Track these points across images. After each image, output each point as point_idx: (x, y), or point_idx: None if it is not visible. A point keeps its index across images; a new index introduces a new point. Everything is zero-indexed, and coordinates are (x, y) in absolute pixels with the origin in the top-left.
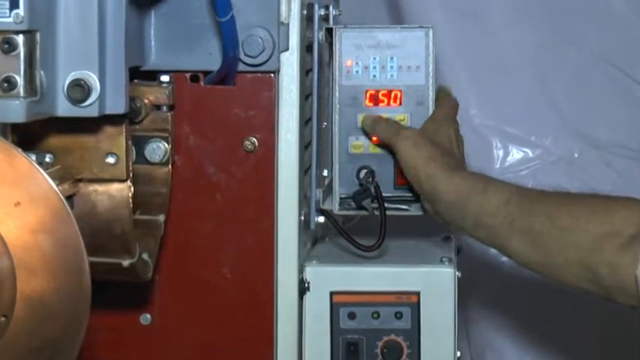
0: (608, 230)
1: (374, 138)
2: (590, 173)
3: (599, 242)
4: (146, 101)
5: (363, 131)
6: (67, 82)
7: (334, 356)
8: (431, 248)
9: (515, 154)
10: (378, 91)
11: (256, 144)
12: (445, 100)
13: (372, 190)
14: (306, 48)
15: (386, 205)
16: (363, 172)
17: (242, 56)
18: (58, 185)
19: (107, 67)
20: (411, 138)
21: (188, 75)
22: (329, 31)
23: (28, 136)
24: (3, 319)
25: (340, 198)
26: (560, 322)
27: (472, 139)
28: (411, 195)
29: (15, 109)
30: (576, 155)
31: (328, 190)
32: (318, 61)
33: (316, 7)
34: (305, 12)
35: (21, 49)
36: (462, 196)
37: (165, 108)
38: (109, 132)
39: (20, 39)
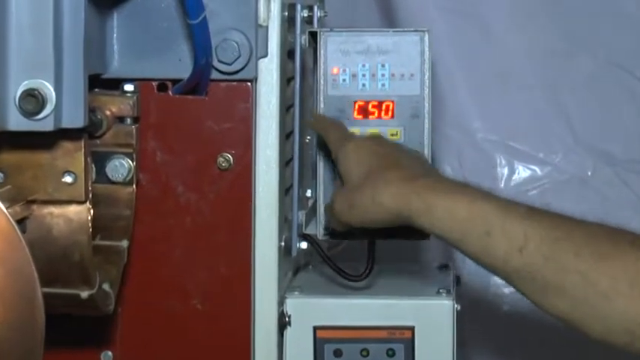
0: None
1: None
2: (606, 194)
3: None
4: (108, 113)
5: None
6: (19, 92)
7: None
8: (427, 277)
9: (522, 172)
10: (367, 102)
11: (231, 161)
12: (328, 129)
13: None
14: (288, 54)
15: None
16: None
17: (215, 63)
18: (8, 208)
19: (64, 76)
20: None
21: (155, 84)
22: (313, 35)
23: None
24: None
25: (325, 221)
26: None
27: (473, 156)
28: None
29: None
30: (590, 173)
31: (312, 213)
32: (300, 69)
33: (298, 7)
34: (286, 13)
35: None
36: (455, 236)
37: (129, 120)
38: (66, 148)
39: None
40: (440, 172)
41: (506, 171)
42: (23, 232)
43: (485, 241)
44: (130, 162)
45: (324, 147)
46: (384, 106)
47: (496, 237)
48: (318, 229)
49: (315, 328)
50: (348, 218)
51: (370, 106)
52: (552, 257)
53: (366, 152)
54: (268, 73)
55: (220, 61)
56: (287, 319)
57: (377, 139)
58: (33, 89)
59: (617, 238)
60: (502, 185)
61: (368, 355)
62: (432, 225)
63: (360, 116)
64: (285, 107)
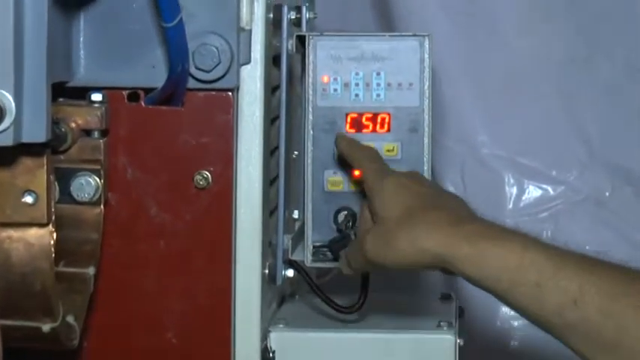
0: None
1: (355, 172)
2: (625, 217)
3: None
4: (73, 125)
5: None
6: None
7: None
8: (426, 309)
9: (533, 191)
10: (361, 115)
11: (210, 179)
12: (358, 156)
13: (353, 237)
14: (273, 60)
15: None
16: (341, 215)
17: (192, 70)
18: None
19: (25, 84)
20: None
21: (125, 93)
22: (301, 40)
23: None
24: None
25: (314, 247)
26: None
27: (479, 173)
28: None
29: None
30: (608, 194)
31: (299, 237)
32: (287, 77)
33: (285, 9)
34: (271, 15)
35: None
36: (503, 286)
37: (96, 133)
38: (27, 165)
39: None
40: (481, 215)
41: (514, 190)
42: None
43: (535, 293)
44: (98, 180)
45: (343, 162)
46: (379, 119)
47: (548, 289)
48: (305, 255)
49: None
50: (380, 259)
51: (364, 118)
52: (609, 313)
53: (407, 191)
54: (251, 81)
55: (198, 68)
56: (271, 354)
57: (416, 176)
58: None
59: None
60: (510, 206)
61: None
62: (478, 273)
63: (353, 130)
64: (270, 119)
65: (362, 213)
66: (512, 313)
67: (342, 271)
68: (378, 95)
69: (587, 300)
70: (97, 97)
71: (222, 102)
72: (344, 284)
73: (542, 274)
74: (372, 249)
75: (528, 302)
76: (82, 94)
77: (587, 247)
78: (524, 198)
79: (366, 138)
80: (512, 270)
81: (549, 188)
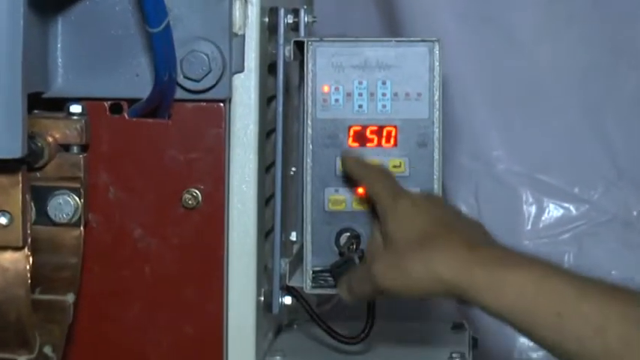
0: None
1: (359, 189)
2: None
3: None
4: (50, 139)
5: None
6: None
7: None
8: (437, 339)
9: (553, 211)
10: (365, 127)
11: (199, 198)
12: (366, 174)
13: (357, 261)
14: (268, 68)
15: None
16: (344, 237)
17: (180, 79)
18: None
19: None
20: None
21: (107, 104)
22: (299, 46)
23: None
24: None
25: (313, 272)
26: None
27: (494, 191)
28: None
29: None
30: (636, 213)
31: (297, 261)
32: (283, 86)
33: (282, 12)
34: (266, 20)
35: None
36: (525, 318)
37: (75, 149)
38: (1, 183)
39: None
40: (498, 238)
41: (533, 210)
42: None
43: (555, 323)
44: (77, 199)
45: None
46: (384, 132)
47: (569, 318)
48: (304, 281)
49: None
50: (390, 285)
51: (368, 132)
52: (632, 341)
53: (422, 213)
54: (245, 91)
55: (187, 78)
56: None
57: (432, 197)
58: None
59: None
60: (529, 227)
61: None
62: (495, 302)
63: (356, 144)
64: (265, 133)
65: (372, 235)
66: (530, 343)
67: (343, 298)
68: (384, 106)
69: (610, 328)
70: (76, 108)
71: (213, 114)
72: (347, 312)
73: (563, 302)
74: (381, 274)
75: (548, 332)
76: (59, 105)
77: (612, 273)
78: (543, 218)
79: (371, 153)
80: (530, 299)
81: (571, 207)
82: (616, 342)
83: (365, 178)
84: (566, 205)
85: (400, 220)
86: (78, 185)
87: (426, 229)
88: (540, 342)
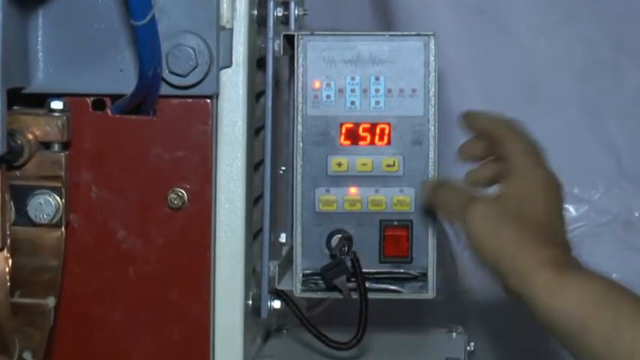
0: None
1: (351, 189)
2: None
3: None
4: (30, 137)
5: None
6: None
7: None
8: (432, 344)
9: None
10: (357, 125)
11: (185, 198)
12: (512, 136)
13: (349, 263)
14: (257, 63)
15: (368, 285)
16: (335, 239)
17: (166, 74)
18: None
19: None
20: (487, 217)
21: (90, 100)
22: (289, 40)
23: None
24: None
25: (304, 275)
26: None
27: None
28: (402, 271)
29: None
30: (638, 214)
31: (287, 264)
32: (273, 82)
33: (271, 5)
34: (255, 12)
35: None
36: (579, 319)
37: (57, 146)
38: None
39: None
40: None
41: None
42: None
43: (610, 332)
44: (58, 199)
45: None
46: (378, 130)
47: (625, 326)
48: (294, 284)
49: None
50: (472, 228)
51: (361, 129)
52: None
53: (545, 194)
54: (233, 87)
55: (172, 73)
56: None
57: (556, 180)
58: None
59: None
60: None
61: None
62: (553, 303)
63: (348, 142)
64: (254, 130)
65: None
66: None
67: (423, 194)
68: (377, 103)
69: None
70: (57, 104)
71: (200, 110)
72: (339, 317)
73: (617, 305)
74: (476, 214)
75: (600, 344)
76: (40, 101)
77: (614, 275)
78: None
79: (363, 151)
80: (590, 306)
81: (571, 208)
82: None
83: (504, 135)
84: (565, 205)
85: (524, 187)
86: (59, 184)
87: (537, 215)
88: (587, 354)
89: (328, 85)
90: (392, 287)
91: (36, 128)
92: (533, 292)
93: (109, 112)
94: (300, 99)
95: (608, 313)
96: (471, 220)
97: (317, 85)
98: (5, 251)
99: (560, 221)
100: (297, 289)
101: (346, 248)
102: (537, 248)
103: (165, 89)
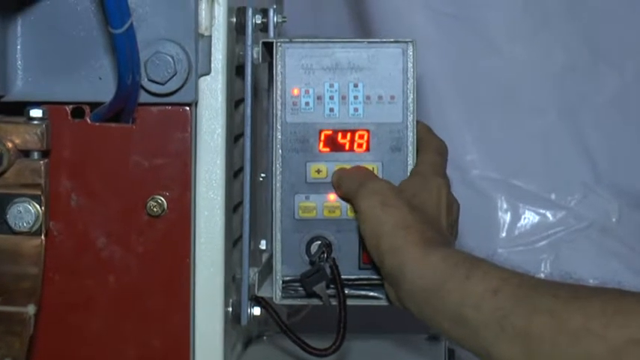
0: (629, 336)
1: (330, 196)
2: (635, 245)
3: (618, 352)
4: (10, 145)
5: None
6: None
7: None
8: (412, 351)
9: (529, 217)
10: (336, 132)
11: (165, 205)
12: (428, 143)
13: (328, 270)
14: (236, 70)
15: (347, 291)
16: (315, 246)
17: (145, 82)
18: None
19: None
20: (379, 194)
21: (69, 108)
22: (268, 47)
23: None
24: None
25: (283, 281)
26: None
27: (468, 197)
28: (381, 278)
29: None
30: (615, 220)
31: (266, 271)
32: (252, 89)
33: (250, 12)
34: (234, 20)
35: None
36: (437, 282)
37: (36, 154)
38: None
39: None
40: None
41: (508, 217)
42: None
43: (463, 286)
44: (38, 207)
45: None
46: (357, 137)
47: (476, 278)
48: (274, 291)
49: None
50: (359, 202)
51: (339, 136)
52: (525, 299)
53: (442, 194)
54: (212, 94)
55: (151, 80)
56: None
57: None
58: None
59: (607, 289)
60: (503, 235)
61: None
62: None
63: (327, 149)
64: (233, 137)
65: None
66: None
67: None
68: (356, 110)
69: (507, 289)
70: (36, 113)
71: (179, 118)
72: (318, 324)
73: (471, 266)
74: (367, 190)
75: (452, 298)
76: (19, 109)
77: (590, 281)
78: (519, 225)
79: (343, 158)
80: (448, 268)
81: (548, 214)
82: (508, 301)
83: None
84: (542, 211)
85: (420, 187)
86: (39, 192)
87: (426, 208)
88: (440, 315)
89: (307, 92)
90: (371, 294)
91: (15, 136)
92: (403, 266)
93: (88, 120)
94: (278, 106)
95: (461, 271)
96: (362, 194)
97: (296, 92)
98: None
99: (448, 228)
100: (276, 296)
101: (325, 255)
102: (419, 229)
103: (144, 97)
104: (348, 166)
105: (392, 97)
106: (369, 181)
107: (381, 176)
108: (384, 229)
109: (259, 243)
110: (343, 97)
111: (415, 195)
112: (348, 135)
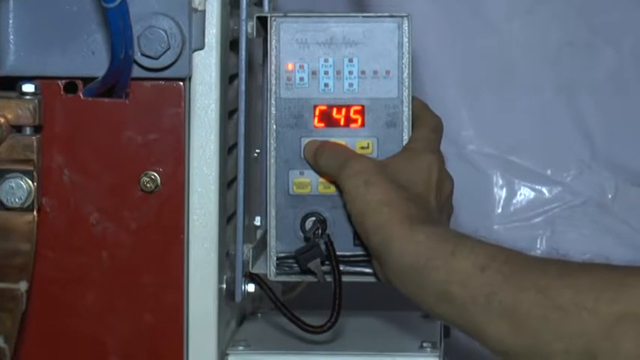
0: (621, 311)
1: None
2: (630, 221)
3: (610, 327)
4: (1, 120)
5: (309, 164)
6: None
7: None
8: (407, 328)
9: (525, 193)
10: (331, 107)
11: (158, 181)
12: (423, 119)
13: (323, 246)
14: (230, 45)
15: (342, 268)
16: (309, 222)
17: (138, 57)
18: None
19: None
20: (363, 173)
21: (62, 83)
22: (262, 21)
23: None
24: None
25: (278, 258)
26: None
27: (464, 173)
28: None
29: None
30: (610, 196)
31: (261, 247)
32: (246, 64)
33: None
34: None
35: None
36: (422, 259)
37: (28, 130)
38: None
39: None
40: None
41: (504, 193)
42: None
43: (448, 263)
44: (30, 182)
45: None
46: (352, 112)
47: (462, 255)
48: (268, 268)
49: None
50: (344, 183)
51: (334, 111)
52: (512, 276)
53: (435, 170)
54: (205, 69)
55: (144, 55)
56: None
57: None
58: None
59: (596, 264)
60: (499, 211)
61: None
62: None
63: (322, 124)
64: (227, 113)
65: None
66: None
67: (306, 152)
68: (351, 85)
69: (495, 265)
70: (28, 88)
71: (172, 93)
72: (312, 300)
73: (458, 243)
74: (353, 170)
75: (438, 275)
76: (11, 84)
77: (586, 256)
78: (515, 201)
79: (338, 133)
80: (433, 243)
81: (544, 190)
82: (496, 277)
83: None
84: (538, 187)
85: (408, 162)
86: (31, 168)
87: (412, 186)
88: (428, 292)
89: (301, 67)
90: (366, 270)
91: (7, 112)
92: (388, 243)
93: (81, 95)
94: (273, 81)
95: (447, 247)
96: (346, 174)
97: (290, 67)
98: None
99: (438, 205)
100: (271, 272)
101: (320, 231)
102: (404, 206)
103: (137, 72)
104: (342, 142)
105: (387, 72)
106: (351, 160)
107: (375, 153)
108: (369, 207)
109: (254, 219)
110: (338, 72)
111: (401, 171)
112: (343, 110)
